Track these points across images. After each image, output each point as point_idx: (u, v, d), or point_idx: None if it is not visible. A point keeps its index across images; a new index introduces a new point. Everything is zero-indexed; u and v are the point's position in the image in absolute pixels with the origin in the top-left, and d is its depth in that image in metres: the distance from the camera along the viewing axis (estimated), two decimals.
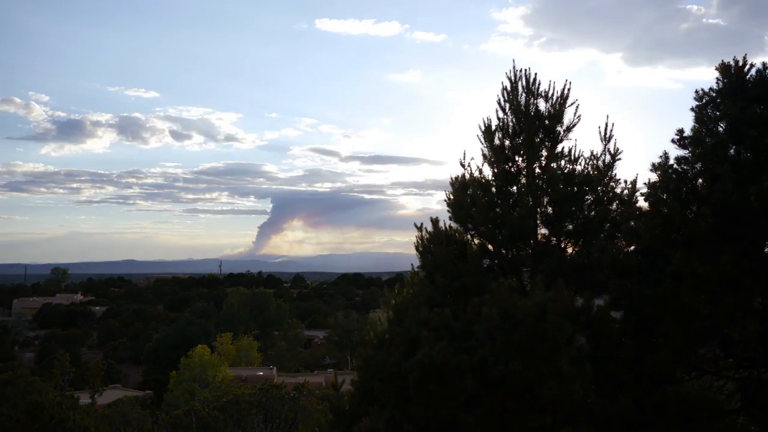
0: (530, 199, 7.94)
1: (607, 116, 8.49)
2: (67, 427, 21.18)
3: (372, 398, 7.08)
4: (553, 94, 8.52)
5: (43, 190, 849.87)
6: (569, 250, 8.23)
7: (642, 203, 8.51)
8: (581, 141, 8.61)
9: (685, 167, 8.27)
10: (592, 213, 8.22)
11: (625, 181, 8.52)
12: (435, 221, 8.13)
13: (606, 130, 8.47)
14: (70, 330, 69.57)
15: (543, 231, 8.25)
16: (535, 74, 8.50)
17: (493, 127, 8.53)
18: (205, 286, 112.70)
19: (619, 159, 8.49)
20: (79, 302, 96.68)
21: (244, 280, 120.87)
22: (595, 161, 8.43)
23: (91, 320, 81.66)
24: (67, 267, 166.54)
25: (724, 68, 8.16)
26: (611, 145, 8.51)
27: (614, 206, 8.32)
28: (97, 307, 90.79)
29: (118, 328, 70.72)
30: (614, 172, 8.48)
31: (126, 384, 46.55)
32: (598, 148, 8.57)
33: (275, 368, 44.80)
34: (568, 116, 8.56)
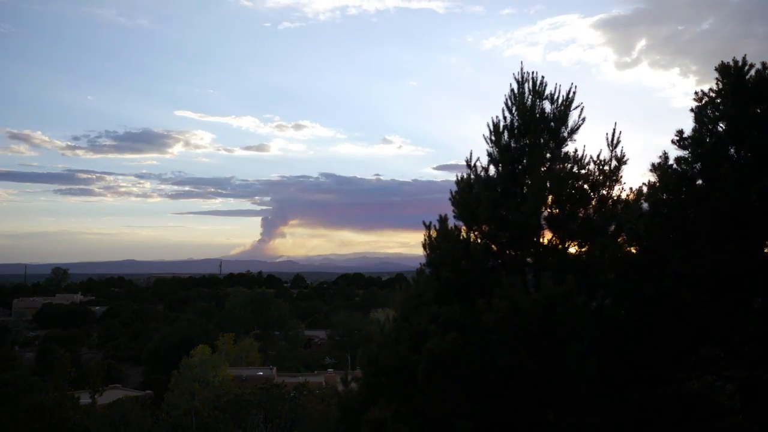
0: (534, 200, 7.98)
1: (615, 123, 8.60)
2: (67, 427, 21.23)
3: (377, 394, 7.12)
4: (558, 97, 8.63)
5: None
6: (572, 250, 8.27)
7: (644, 204, 8.57)
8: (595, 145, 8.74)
9: (684, 167, 8.29)
10: (596, 214, 8.28)
11: (631, 188, 8.64)
12: (443, 219, 8.22)
13: (613, 136, 8.58)
14: (70, 330, 69.60)
15: (547, 231, 8.30)
16: (542, 77, 8.65)
17: (501, 128, 8.62)
18: (206, 286, 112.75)
19: (625, 164, 8.60)
20: (79, 302, 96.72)
21: (245, 280, 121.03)
22: (601, 165, 8.52)
23: (91, 320, 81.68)
24: (67, 267, 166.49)
25: (723, 69, 8.18)
26: (618, 151, 8.61)
27: (619, 208, 8.39)
28: (97, 307, 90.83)
29: (118, 328, 70.77)
30: (620, 176, 8.57)
31: (126, 384, 46.55)
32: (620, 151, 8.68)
33: (275, 368, 44.81)
34: (573, 118, 8.68)
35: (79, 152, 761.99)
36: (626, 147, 8.63)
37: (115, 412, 26.60)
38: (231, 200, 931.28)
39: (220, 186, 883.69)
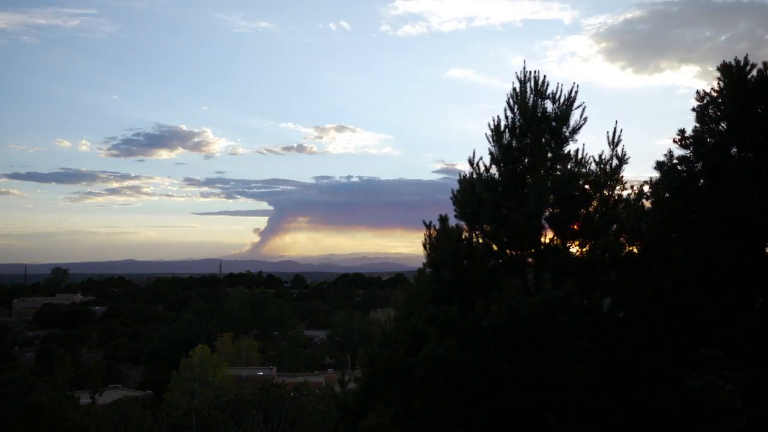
0: (536, 200, 7.95)
1: (616, 122, 8.58)
2: (67, 427, 21.22)
3: (377, 395, 7.09)
4: (560, 96, 8.60)
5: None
6: (574, 251, 8.25)
7: (646, 203, 8.55)
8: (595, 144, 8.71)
9: (686, 167, 8.29)
10: (598, 214, 8.26)
11: (632, 187, 8.60)
12: (443, 219, 8.19)
13: (614, 134, 8.56)
14: (70, 330, 69.58)
15: (548, 231, 8.28)
16: (544, 76, 8.61)
17: (502, 127, 8.60)
18: (206, 286, 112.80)
19: (626, 163, 8.58)
20: (79, 302, 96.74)
21: (245, 280, 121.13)
22: (602, 165, 8.49)
23: (91, 320, 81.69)
24: (67, 267, 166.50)
25: (725, 68, 8.17)
26: (619, 150, 8.59)
27: (620, 208, 8.37)
28: (97, 307, 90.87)
29: (118, 328, 70.76)
30: (621, 175, 8.55)
31: (126, 384, 46.54)
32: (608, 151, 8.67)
33: (275, 368, 44.83)
34: (574, 118, 8.65)
35: (113, 152, 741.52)
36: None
37: (115, 412, 26.59)
38: (250, 201, 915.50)
39: (246, 186, 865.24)
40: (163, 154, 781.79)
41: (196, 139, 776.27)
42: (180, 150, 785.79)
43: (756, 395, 8.18)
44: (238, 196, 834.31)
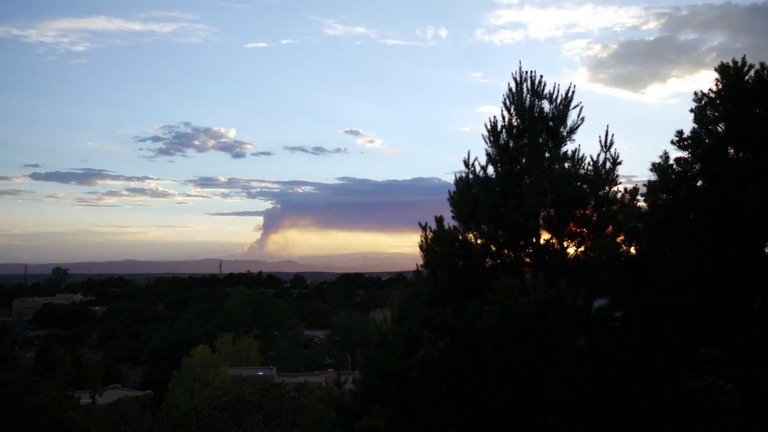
0: (533, 200, 7.96)
1: (607, 125, 8.58)
2: (68, 427, 21.25)
3: (374, 397, 7.10)
4: (557, 96, 8.59)
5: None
6: (571, 251, 8.26)
7: (642, 204, 8.55)
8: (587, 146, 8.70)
9: (684, 168, 8.31)
10: (595, 214, 8.26)
11: (626, 189, 8.61)
12: (439, 220, 8.19)
13: (606, 138, 8.56)
14: (70, 330, 69.62)
15: (545, 231, 8.29)
16: (541, 76, 8.60)
17: (499, 127, 8.60)
18: (206, 286, 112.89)
19: (620, 164, 8.58)
20: (79, 302, 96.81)
21: (245, 280, 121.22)
22: (597, 166, 8.50)
23: (91, 320, 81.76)
24: (68, 267, 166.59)
25: (723, 69, 8.18)
26: (612, 152, 8.59)
27: (616, 208, 8.38)
28: (97, 307, 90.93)
29: (118, 328, 70.82)
30: (616, 176, 8.56)
31: (126, 384, 46.58)
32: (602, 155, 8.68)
33: (275, 368, 44.85)
34: (571, 118, 8.64)
35: (143, 152, 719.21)
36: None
37: (115, 412, 26.62)
38: (262, 200, 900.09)
39: (266, 187, 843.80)
40: (194, 153, 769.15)
41: (224, 139, 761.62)
42: (211, 150, 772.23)
43: (756, 395, 8.20)
44: (258, 197, 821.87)
